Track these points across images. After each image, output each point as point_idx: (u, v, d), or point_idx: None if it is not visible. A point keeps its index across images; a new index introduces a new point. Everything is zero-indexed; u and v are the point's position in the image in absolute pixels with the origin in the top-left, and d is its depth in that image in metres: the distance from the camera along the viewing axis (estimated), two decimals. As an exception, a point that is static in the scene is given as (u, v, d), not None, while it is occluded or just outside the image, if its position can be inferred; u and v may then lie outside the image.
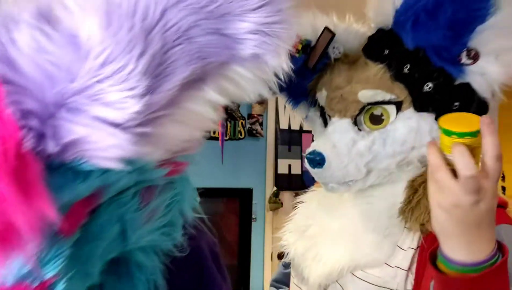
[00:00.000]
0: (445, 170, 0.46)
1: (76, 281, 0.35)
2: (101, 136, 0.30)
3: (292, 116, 2.76)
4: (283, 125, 2.74)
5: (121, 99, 0.29)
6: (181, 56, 0.32)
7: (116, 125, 0.30)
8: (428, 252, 0.54)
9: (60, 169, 0.31)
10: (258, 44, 0.34)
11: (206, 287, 0.56)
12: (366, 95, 0.68)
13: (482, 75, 0.61)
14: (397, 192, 0.69)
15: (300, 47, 0.73)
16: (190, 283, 0.53)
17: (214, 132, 2.57)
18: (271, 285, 1.02)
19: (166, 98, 0.32)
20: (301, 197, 0.89)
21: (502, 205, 0.62)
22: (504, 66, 0.60)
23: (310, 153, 0.69)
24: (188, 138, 0.42)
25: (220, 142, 1.99)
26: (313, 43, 0.74)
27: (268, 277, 2.63)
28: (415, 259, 0.64)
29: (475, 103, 0.62)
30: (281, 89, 0.80)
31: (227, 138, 2.59)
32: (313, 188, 0.90)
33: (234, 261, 2.49)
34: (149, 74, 0.30)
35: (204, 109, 0.38)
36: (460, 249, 0.47)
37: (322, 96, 0.76)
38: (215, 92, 0.36)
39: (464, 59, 0.60)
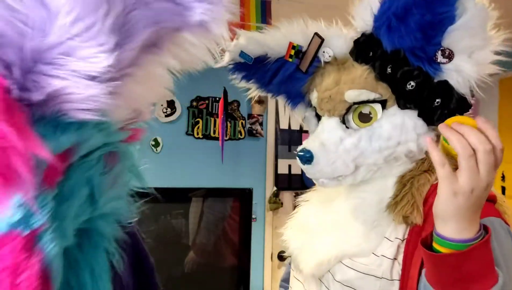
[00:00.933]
0: (448, 165, 0.53)
1: (57, 238, 0.37)
2: (78, 88, 0.34)
3: (292, 116, 2.75)
4: (283, 125, 2.74)
5: (94, 54, 0.33)
6: (140, 19, 0.36)
7: (91, 78, 0.34)
8: (421, 238, 0.60)
9: (42, 121, 0.34)
10: (204, 11, 0.37)
11: (143, 262, 0.67)
12: (351, 95, 0.73)
13: (458, 72, 0.65)
14: (387, 187, 0.74)
15: (293, 52, 0.80)
16: (132, 258, 0.60)
17: (214, 132, 2.57)
18: (280, 286, 1.06)
19: (130, 57, 0.37)
20: (303, 196, 0.94)
21: (492, 200, 0.67)
22: (477, 64, 0.64)
23: (300, 151, 0.75)
24: (147, 99, 0.47)
25: (220, 142, 1.99)
26: (304, 48, 0.80)
27: (268, 277, 2.63)
28: (401, 250, 0.69)
29: (454, 99, 0.67)
30: (280, 91, 0.89)
31: (227, 138, 2.60)
32: (314, 187, 0.94)
33: (234, 261, 2.50)
34: (115, 33, 0.34)
35: (161, 72, 0.43)
36: (455, 230, 0.54)
37: (313, 96, 0.81)
38: (169, 57, 0.41)
39: (440, 58, 0.65)
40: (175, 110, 2.48)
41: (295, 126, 2.76)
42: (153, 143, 2.42)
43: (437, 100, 0.67)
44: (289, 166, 2.71)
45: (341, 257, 0.73)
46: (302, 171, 2.87)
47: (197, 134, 2.54)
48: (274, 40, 0.82)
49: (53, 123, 0.35)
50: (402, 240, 0.69)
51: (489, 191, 0.54)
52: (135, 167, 0.54)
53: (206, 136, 2.56)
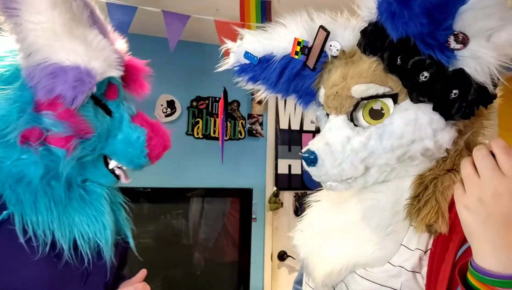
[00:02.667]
0: (471, 168, 0.49)
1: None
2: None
3: (292, 116, 2.76)
4: (283, 125, 2.74)
5: None
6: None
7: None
8: (457, 267, 0.51)
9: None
10: None
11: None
12: (358, 90, 0.67)
13: (475, 59, 0.57)
14: (404, 188, 0.67)
15: (298, 48, 0.75)
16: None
17: (214, 132, 2.57)
18: (293, 288, 1.03)
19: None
20: (314, 195, 0.88)
21: None
22: (497, 48, 0.56)
23: (304, 152, 0.70)
24: None
25: (220, 142, 1.99)
26: (310, 43, 0.75)
27: (268, 277, 2.63)
28: (424, 263, 0.62)
29: (473, 89, 0.59)
30: (289, 91, 0.84)
31: (227, 138, 2.59)
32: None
33: (234, 261, 2.49)
34: None
35: None
36: (491, 254, 0.46)
37: (321, 94, 0.77)
38: None
39: (452, 44, 0.57)
40: (175, 110, 2.48)
41: (295, 126, 2.76)
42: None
43: (454, 91, 0.59)
44: (289, 166, 2.71)
45: (353, 267, 0.67)
46: (302, 171, 2.88)
47: (197, 134, 2.54)
48: (279, 37, 0.78)
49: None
50: (425, 251, 0.62)
51: (507, 200, 0.47)
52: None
53: (206, 136, 2.56)
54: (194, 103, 2.54)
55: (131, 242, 0.93)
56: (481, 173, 0.49)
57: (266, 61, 0.79)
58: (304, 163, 0.71)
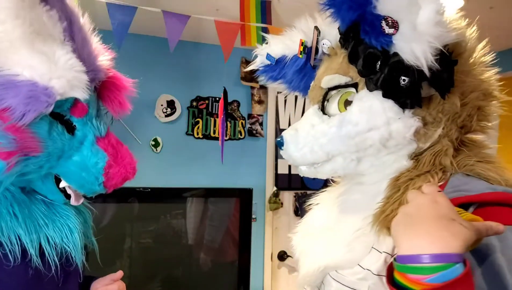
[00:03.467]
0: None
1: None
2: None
3: (292, 116, 2.76)
4: (283, 125, 2.74)
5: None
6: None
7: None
8: (386, 274, 0.49)
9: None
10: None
11: None
12: (324, 80, 0.72)
13: (407, 42, 0.57)
14: (380, 190, 0.66)
15: (301, 48, 0.83)
16: None
17: (214, 132, 2.57)
18: None
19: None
20: (314, 199, 0.89)
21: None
22: (422, 29, 0.56)
23: (278, 137, 0.77)
24: None
25: (220, 142, 1.99)
26: (309, 43, 0.83)
27: (268, 277, 2.63)
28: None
29: (414, 73, 0.57)
30: (295, 88, 0.93)
31: (227, 138, 2.59)
32: (324, 188, 0.91)
33: (234, 261, 2.49)
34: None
35: None
36: (407, 241, 0.46)
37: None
38: None
39: (386, 28, 0.58)
40: (175, 110, 2.48)
41: (295, 126, 2.76)
42: (153, 143, 2.42)
43: (402, 77, 0.58)
44: (289, 166, 2.71)
45: (325, 268, 0.68)
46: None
47: (197, 134, 2.54)
48: (290, 39, 0.86)
49: None
50: (392, 255, 0.60)
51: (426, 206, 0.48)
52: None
53: (206, 136, 2.56)
54: (194, 103, 2.54)
55: (95, 244, 0.92)
56: (408, 200, 0.52)
57: (281, 61, 0.89)
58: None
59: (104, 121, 0.83)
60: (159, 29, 2.02)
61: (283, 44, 0.87)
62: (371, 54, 0.60)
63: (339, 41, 0.71)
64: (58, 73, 0.67)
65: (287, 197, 2.73)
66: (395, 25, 0.57)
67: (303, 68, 0.87)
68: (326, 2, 0.62)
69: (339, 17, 0.62)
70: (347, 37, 0.65)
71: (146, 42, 2.33)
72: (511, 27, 2.16)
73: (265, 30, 1.86)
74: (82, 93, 0.72)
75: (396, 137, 0.64)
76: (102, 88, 0.83)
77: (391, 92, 0.61)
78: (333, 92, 0.72)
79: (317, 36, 0.78)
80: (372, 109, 0.64)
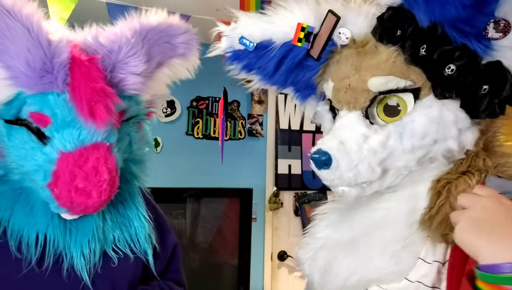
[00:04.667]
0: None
1: (118, 153, 0.76)
2: (132, 78, 0.76)
3: (292, 116, 2.75)
4: (283, 125, 2.74)
5: (137, 63, 0.76)
6: (156, 51, 0.81)
7: (136, 74, 0.76)
8: (466, 274, 0.48)
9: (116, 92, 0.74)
10: (184, 48, 0.85)
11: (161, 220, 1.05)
12: (376, 83, 0.60)
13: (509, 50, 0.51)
14: (419, 194, 0.61)
15: (302, 35, 0.67)
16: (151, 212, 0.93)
17: (214, 132, 2.57)
18: None
19: (152, 67, 0.81)
20: (320, 208, 0.81)
21: None
22: None
23: (315, 153, 0.62)
24: (157, 91, 0.90)
25: (220, 142, 1.99)
26: (316, 30, 0.67)
27: (268, 277, 2.63)
28: (443, 276, 0.56)
29: (508, 85, 0.52)
30: (287, 83, 0.75)
31: (227, 138, 2.59)
32: (331, 196, 0.83)
33: (234, 261, 2.49)
34: (146, 55, 0.78)
35: (164, 77, 0.88)
36: (490, 248, 0.44)
37: (328, 87, 0.69)
38: (167, 70, 0.87)
39: (491, 32, 0.50)
40: (175, 110, 2.48)
41: (295, 126, 2.75)
42: (153, 143, 2.42)
43: (484, 86, 0.52)
44: (289, 166, 2.70)
45: (366, 284, 0.61)
46: (302, 171, 2.86)
47: (197, 134, 2.54)
48: (280, 21, 0.69)
49: (118, 94, 0.74)
50: (443, 263, 0.57)
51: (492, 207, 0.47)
52: (147, 136, 0.94)
53: (206, 136, 2.56)
54: (194, 103, 2.54)
55: (150, 260, 0.86)
56: (466, 205, 0.50)
57: (263, 48, 0.71)
58: (313, 166, 0.63)
59: (83, 130, 0.70)
60: (159, 29, 2.02)
61: (266, 25, 0.69)
62: (468, 61, 0.52)
63: (377, 33, 0.62)
64: None
65: (287, 197, 2.73)
66: (506, 29, 0.50)
67: (299, 58, 0.70)
68: None
69: (438, 9, 0.52)
70: (418, 35, 0.55)
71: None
72: (511, 27, 2.16)
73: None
74: None
75: (461, 149, 0.59)
76: (72, 90, 0.68)
77: (471, 102, 0.54)
78: (382, 96, 0.61)
79: (335, 23, 0.64)
80: (443, 119, 0.57)
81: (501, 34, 0.50)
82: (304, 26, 0.67)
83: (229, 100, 2.53)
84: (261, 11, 0.72)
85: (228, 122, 2.59)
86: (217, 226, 2.50)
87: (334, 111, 0.71)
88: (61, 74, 0.66)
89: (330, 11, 0.65)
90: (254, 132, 2.66)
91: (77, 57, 0.68)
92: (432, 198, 0.59)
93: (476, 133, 0.59)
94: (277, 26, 0.69)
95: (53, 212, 0.74)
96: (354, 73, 0.63)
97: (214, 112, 2.57)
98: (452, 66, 0.53)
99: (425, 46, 0.55)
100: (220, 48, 0.75)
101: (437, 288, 0.56)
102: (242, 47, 0.72)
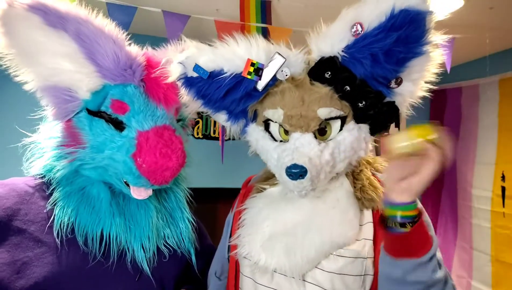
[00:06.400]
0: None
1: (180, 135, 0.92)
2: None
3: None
4: (283, 125, 2.74)
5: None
6: None
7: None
8: (378, 218, 0.77)
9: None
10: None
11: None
12: (324, 112, 0.80)
13: (401, 94, 0.79)
14: (344, 184, 0.86)
15: (251, 69, 0.80)
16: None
17: (214, 132, 2.57)
18: (212, 279, 1.06)
19: None
20: (248, 205, 0.95)
21: None
22: (415, 86, 0.79)
23: (293, 167, 0.77)
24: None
25: (220, 142, 1.99)
26: (265, 66, 0.80)
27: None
28: (374, 231, 0.81)
29: (395, 117, 0.82)
30: (223, 108, 0.89)
31: (227, 138, 2.59)
32: (252, 194, 0.99)
33: (234, 261, 2.49)
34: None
35: None
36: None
37: (277, 114, 0.84)
38: None
39: (392, 84, 0.78)
40: (175, 110, 2.48)
41: (295, 126, 2.76)
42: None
43: (385, 116, 0.81)
44: (289, 166, 2.70)
45: (334, 248, 0.79)
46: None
47: (197, 134, 2.54)
48: (233, 54, 0.80)
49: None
50: (372, 223, 0.82)
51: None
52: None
53: (206, 136, 2.56)
54: (194, 103, 2.54)
55: (193, 259, 1.00)
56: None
57: (215, 76, 0.81)
58: (287, 177, 0.78)
59: (155, 115, 0.87)
60: (159, 29, 2.02)
61: (220, 58, 0.81)
62: (375, 98, 0.80)
63: (312, 74, 0.81)
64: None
65: (287, 197, 2.72)
66: (400, 83, 0.78)
67: (248, 90, 0.82)
68: (375, 57, 0.74)
69: (375, 69, 0.75)
70: (348, 80, 0.78)
71: (146, 42, 2.33)
72: (511, 27, 2.16)
73: (265, 30, 1.86)
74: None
75: (364, 155, 0.86)
76: (147, 82, 0.87)
77: (377, 125, 0.83)
78: (326, 122, 0.82)
79: (282, 63, 0.80)
80: (360, 137, 0.83)
81: (397, 85, 0.78)
82: (254, 62, 0.80)
83: (229, 100, 2.53)
84: (209, 43, 0.84)
85: (228, 122, 2.59)
86: (217, 227, 2.50)
87: (268, 130, 0.89)
88: (138, 70, 0.85)
89: (277, 52, 0.80)
90: (254, 132, 2.66)
91: (149, 58, 0.90)
92: (356, 183, 0.86)
93: (370, 145, 0.87)
94: (230, 59, 0.81)
95: (114, 211, 0.86)
96: (301, 104, 0.81)
97: (214, 112, 2.57)
98: (364, 102, 0.80)
99: (347, 87, 0.79)
100: (175, 73, 0.84)
101: (370, 239, 0.81)
102: (195, 74, 0.82)
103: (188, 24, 1.78)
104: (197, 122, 2.54)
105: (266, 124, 0.88)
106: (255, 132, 0.92)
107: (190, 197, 1.10)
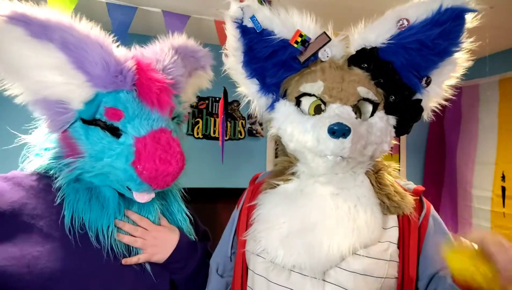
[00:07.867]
0: None
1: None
2: (178, 79, 0.97)
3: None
4: (283, 125, 2.74)
5: (178, 69, 0.98)
6: (186, 63, 1.02)
7: (181, 76, 0.98)
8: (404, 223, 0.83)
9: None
10: (204, 61, 1.09)
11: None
12: (363, 90, 0.83)
13: (427, 95, 0.85)
14: (367, 182, 0.85)
15: (299, 39, 0.83)
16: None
17: (214, 132, 2.57)
18: (215, 274, 1.05)
19: (186, 76, 1.01)
20: (260, 202, 0.90)
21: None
22: (441, 89, 0.85)
23: (337, 125, 0.75)
24: (188, 100, 1.09)
25: (220, 142, 1.99)
26: (311, 40, 0.84)
27: (268, 277, 2.63)
28: (397, 235, 0.82)
29: (420, 116, 0.87)
30: (258, 73, 0.90)
31: (227, 138, 2.60)
32: (265, 190, 0.94)
33: (234, 261, 2.49)
34: (182, 64, 0.99)
35: (192, 87, 1.11)
36: None
37: (317, 86, 0.85)
38: (193, 80, 1.09)
39: (423, 83, 0.83)
40: (175, 110, 2.48)
41: (295, 126, 2.76)
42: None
43: (411, 113, 0.86)
44: (289, 166, 2.70)
45: (357, 249, 0.77)
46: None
47: (197, 134, 2.54)
48: (285, 21, 0.84)
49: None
50: (397, 227, 0.82)
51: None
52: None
53: (206, 136, 2.56)
54: (194, 103, 2.54)
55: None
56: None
57: (266, 34, 0.84)
58: (329, 136, 0.76)
59: (151, 119, 0.85)
60: (159, 29, 2.02)
61: (275, 19, 0.84)
62: (407, 93, 0.85)
63: (352, 60, 0.86)
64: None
65: (287, 197, 2.72)
66: (429, 83, 0.84)
67: (287, 57, 0.85)
68: (420, 49, 0.80)
69: (419, 61, 0.81)
70: (384, 69, 0.83)
71: (146, 42, 2.33)
72: (511, 27, 2.16)
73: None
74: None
75: (387, 149, 0.88)
76: (139, 87, 0.85)
77: (403, 120, 0.87)
78: (361, 101, 0.84)
79: (326, 42, 0.83)
80: (388, 128, 0.86)
81: (426, 85, 0.84)
82: (303, 34, 0.83)
83: (229, 100, 2.52)
84: (270, 6, 0.86)
85: (228, 122, 2.59)
86: (217, 227, 2.50)
87: (299, 107, 0.89)
88: (129, 75, 0.83)
89: (324, 32, 0.85)
90: (254, 132, 2.66)
91: (140, 61, 0.87)
92: (381, 189, 0.85)
93: (391, 143, 0.89)
94: (281, 23, 0.84)
95: (121, 209, 0.89)
96: (342, 81, 0.84)
97: (214, 112, 2.57)
98: (396, 95, 0.84)
99: (382, 80, 0.84)
100: (232, 12, 0.86)
101: (395, 243, 0.81)
102: (250, 25, 0.85)
103: (188, 24, 1.78)
104: (197, 122, 2.54)
105: (298, 101, 0.88)
106: (285, 106, 0.90)
107: (183, 192, 1.16)
